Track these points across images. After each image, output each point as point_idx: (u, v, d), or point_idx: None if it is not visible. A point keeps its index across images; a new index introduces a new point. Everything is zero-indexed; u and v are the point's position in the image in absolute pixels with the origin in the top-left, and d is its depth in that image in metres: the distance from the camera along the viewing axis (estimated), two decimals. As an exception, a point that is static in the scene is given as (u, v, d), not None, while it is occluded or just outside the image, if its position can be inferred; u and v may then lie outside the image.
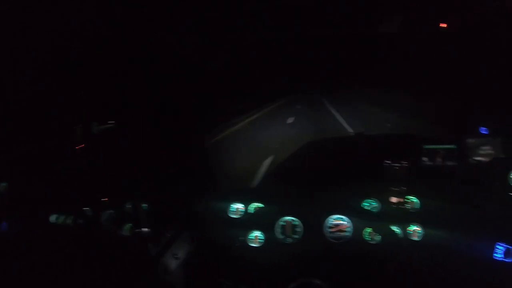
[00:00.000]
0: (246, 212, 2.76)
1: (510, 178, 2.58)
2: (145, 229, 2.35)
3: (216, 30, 2.68)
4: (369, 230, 2.55)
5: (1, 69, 2.09)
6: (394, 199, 2.68)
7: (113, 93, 2.67)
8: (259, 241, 2.62)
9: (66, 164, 2.57)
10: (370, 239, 2.55)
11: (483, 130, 2.83)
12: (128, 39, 2.38)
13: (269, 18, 2.71)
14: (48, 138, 2.53)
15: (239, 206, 2.77)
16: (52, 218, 2.61)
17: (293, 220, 2.59)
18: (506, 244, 2.40)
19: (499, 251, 2.40)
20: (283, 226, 2.60)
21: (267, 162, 3.23)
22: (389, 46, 3.21)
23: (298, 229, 2.58)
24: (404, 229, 2.59)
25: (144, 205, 2.37)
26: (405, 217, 2.62)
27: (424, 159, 2.84)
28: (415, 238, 2.57)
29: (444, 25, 2.79)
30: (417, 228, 2.57)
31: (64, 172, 2.58)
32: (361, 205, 2.71)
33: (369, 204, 2.71)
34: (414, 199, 2.67)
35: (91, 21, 2.16)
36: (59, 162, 2.56)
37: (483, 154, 2.78)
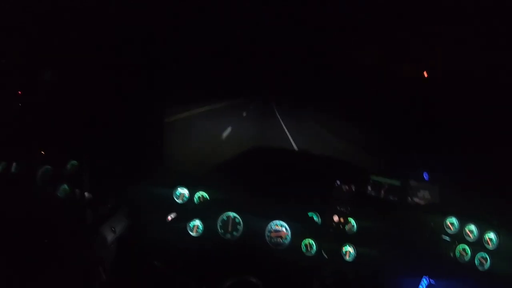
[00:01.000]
0: (190, 199, 2.73)
1: (446, 223, 2.77)
2: (86, 194, 2.25)
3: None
4: (306, 242, 2.61)
5: None
6: (336, 218, 2.76)
7: (72, 46, 2.56)
8: (198, 231, 2.60)
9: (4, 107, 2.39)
10: (305, 250, 2.61)
11: (425, 176, 3.01)
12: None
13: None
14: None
15: (184, 191, 2.73)
16: None
17: (235, 217, 2.60)
18: (429, 279, 2.56)
19: (423, 284, 2.54)
20: (224, 221, 2.59)
21: (218, 153, 3.22)
22: (350, 78, 3.36)
23: (239, 227, 2.59)
24: (338, 248, 2.68)
25: (86, 168, 2.26)
26: (342, 236, 2.71)
27: (369, 188, 2.97)
28: (347, 258, 2.66)
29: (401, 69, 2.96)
30: (350, 249, 2.67)
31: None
32: (304, 217, 2.77)
33: (311, 218, 2.78)
34: (353, 221, 2.77)
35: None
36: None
37: (422, 197, 2.96)
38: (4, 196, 2.32)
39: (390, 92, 3.28)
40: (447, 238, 2.74)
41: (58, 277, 2.03)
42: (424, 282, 2.56)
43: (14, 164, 2.40)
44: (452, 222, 2.76)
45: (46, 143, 2.51)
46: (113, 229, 2.33)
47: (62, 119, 2.57)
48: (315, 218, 2.77)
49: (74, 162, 2.32)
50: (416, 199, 2.96)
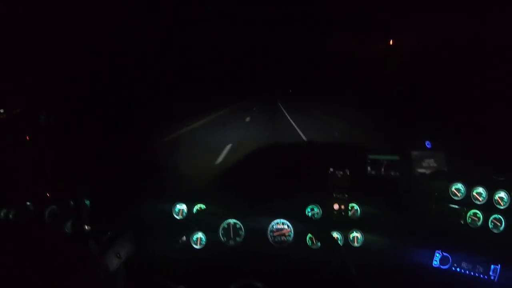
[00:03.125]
0: (189, 213, 2.80)
1: (452, 190, 2.66)
2: (87, 227, 2.38)
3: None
4: (310, 235, 2.60)
5: None
6: (336, 206, 2.74)
7: (61, 84, 2.72)
8: (201, 243, 2.65)
9: (8, 155, 2.60)
10: (311, 244, 2.60)
11: (427, 144, 2.91)
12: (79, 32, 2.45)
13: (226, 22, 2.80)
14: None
15: (182, 206, 2.81)
16: None
17: (236, 223, 2.64)
18: (442, 252, 2.47)
19: (436, 258, 2.46)
20: (225, 229, 2.64)
21: (214, 163, 3.28)
22: (342, 60, 3.34)
23: (241, 232, 2.63)
24: (345, 235, 2.64)
25: (86, 201, 2.40)
26: (346, 223, 2.68)
27: (368, 168, 2.91)
28: (356, 244, 2.62)
29: (390, 43, 2.92)
30: (358, 235, 2.63)
31: (5, 164, 2.61)
32: (304, 211, 2.76)
33: (312, 210, 2.76)
34: (356, 206, 2.73)
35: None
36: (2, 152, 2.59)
37: (426, 166, 2.86)
38: (15, 238, 2.50)
39: (380, 67, 3.23)
40: (455, 206, 2.62)
41: None
42: (438, 256, 2.47)
43: (21, 208, 2.55)
44: (457, 188, 2.64)
45: (50, 184, 2.67)
46: (118, 254, 2.43)
47: (60, 158, 2.72)
48: (316, 210, 2.75)
49: (72, 199, 2.45)
50: (420, 170, 2.87)
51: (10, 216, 2.53)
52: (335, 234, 2.65)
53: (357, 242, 2.62)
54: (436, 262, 2.47)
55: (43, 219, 2.49)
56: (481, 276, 2.37)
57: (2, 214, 2.55)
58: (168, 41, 2.87)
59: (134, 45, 2.70)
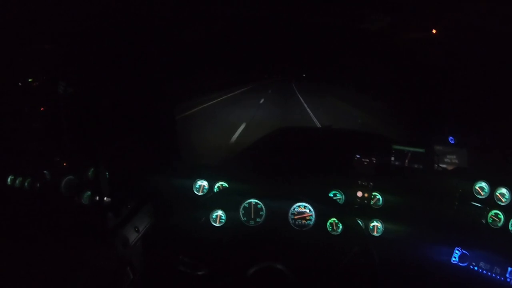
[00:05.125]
0: (210, 190, 2.72)
1: (475, 189, 2.66)
2: (106, 198, 2.28)
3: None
4: (331, 221, 2.57)
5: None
6: (360, 193, 2.71)
7: (82, 55, 2.55)
8: (221, 221, 2.59)
9: (28, 124, 2.47)
10: (331, 229, 2.58)
11: (451, 140, 2.87)
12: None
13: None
14: (10, 96, 2.43)
15: (203, 183, 2.73)
16: (9, 179, 2.52)
17: (257, 203, 2.58)
18: (461, 249, 2.49)
19: (455, 255, 2.49)
20: (246, 208, 2.58)
21: (236, 141, 3.18)
22: (367, 45, 3.18)
23: (261, 213, 2.57)
24: (365, 223, 2.64)
25: (106, 172, 2.29)
26: (368, 212, 2.66)
27: (392, 158, 2.87)
28: (375, 234, 2.62)
29: (434, 31, 2.77)
30: (378, 224, 2.63)
31: (24, 132, 2.48)
32: (327, 196, 2.72)
33: (334, 196, 2.73)
34: (378, 195, 2.71)
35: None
36: (20, 121, 2.45)
37: (449, 162, 2.84)
38: (31, 207, 2.41)
39: (407, 57, 3.10)
40: (477, 204, 2.64)
41: (86, 280, 2.09)
42: (457, 253, 2.50)
43: (39, 177, 2.49)
44: (481, 186, 2.65)
45: (67, 154, 2.58)
46: (136, 228, 2.37)
47: (79, 128, 2.62)
48: (339, 196, 2.72)
49: (91, 170, 2.36)
50: (442, 165, 2.85)
51: (26, 184, 2.43)
52: (357, 222, 2.62)
53: (376, 232, 2.63)
54: (455, 259, 2.50)
55: (59, 189, 2.37)
56: (498, 277, 2.42)
57: (17, 182, 2.44)
58: (188, 15, 2.67)
59: (155, 15, 2.51)
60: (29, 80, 2.53)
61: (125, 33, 2.56)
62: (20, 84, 2.54)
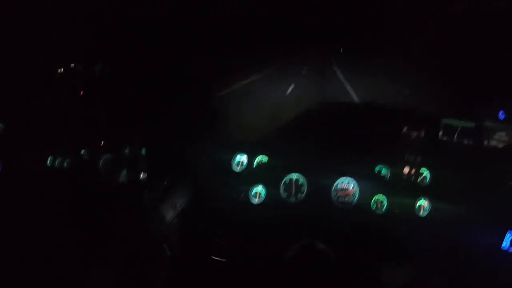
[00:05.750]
0: (250, 165, 2.59)
1: None
2: (143, 175, 2.21)
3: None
4: (376, 198, 2.45)
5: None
6: (406, 170, 2.55)
7: (117, 35, 2.54)
8: (260, 198, 2.49)
9: (65, 106, 2.39)
10: (375, 208, 2.46)
11: (501, 115, 2.66)
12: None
13: None
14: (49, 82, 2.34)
15: (243, 157, 2.61)
16: (49, 160, 2.52)
17: (298, 179, 2.46)
18: (512, 233, 2.36)
19: (507, 239, 2.35)
20: (287, 184, 2.47)
21: (277, 116, 3.01)
22: (411, 15, 2.92)
23: (303, 189, 2.46)
24: (411, 202, 2.50)
25: (143, 149, 2.20)
26: (414, 190, 2.52)
27: (441, 132, 2.68)
28: (421, 213, 2.49)
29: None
30: (425, 203, 2.49)
31: (62, 114, 2.40)
32: (372, 171, 2.58)
33: (380, 171, 2.59)
34: (426, 172, 2.55)
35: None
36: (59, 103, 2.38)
37: (498, 139, 2.65)
38: (71, 184, 2.45)
39: (455, 28, 2.84)
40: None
41: (124, 256, 2.07)
42: (509, 237, 2.37)
43: (77, 156, 2.51)
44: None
45: (105, 133, 2.58)
46: (173, 205, 2.30)
47: (115, 107, 2.60)
48: (384, 172, 2.57)
49: (128, 147, 2.32)
50: (493, 142, 2.66)
51: (65, 164, 2.49)
52: (403, 200, 2.50)
53: (423, 211, 2.49)
54: (506, 243, 2.38)
55: (97, 167, 2.32)
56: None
57: (56, 162, 2.44)
58: None
59: None
60: (68, 64, 2.56)
61: (160, 10, 2.51)
62: (59, 68, 2.56)
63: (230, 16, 2.73)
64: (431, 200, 2.47)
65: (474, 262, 2.33)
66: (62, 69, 2.58)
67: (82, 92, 2.59)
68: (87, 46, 2.60)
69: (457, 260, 2.34)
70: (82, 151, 2.49)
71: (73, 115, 2.58)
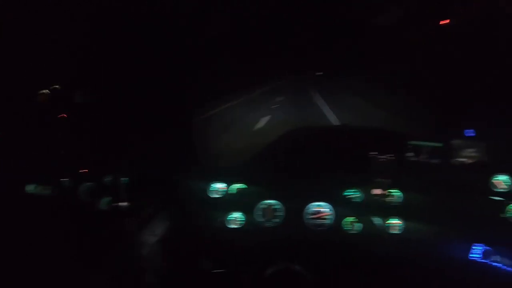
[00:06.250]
0: (227, 192, 2.71)
1: (492, 182, 2.62)
2: (123, 204, 2.31)
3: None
4: (349, 219, 2.55)
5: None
6: (377, 191, 2.67)
7: (99, 61, 2.59)
8: (238, 223, 2.59)
9: (47, 133, 2.51)
10: (350, 228, 2.56)
11: (469, 133, 2.83)
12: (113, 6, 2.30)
13: None
14: (29, 105, 2.47)
15: (220, 185, 2.72)
16: (29, 187, 2.55)
17: (274, 204, 2.57)
18: (484, 245, 2.44)
19: (477, 252, 2.44)
20: (264, 209, 2.57)
21: (252, 143, 3.17)
22: (383, 39, 3.16)
23: (279, 213, 2.56)
24: (384, 221, 2.60)
25: (124, 178, 2.32)
26: (387, 209, 2.63)
27: (409, 154, 2.83)
28: (395, 231, 2.58)
29: (446, 21, 2.74)
30: (398, 222, 2.59)
31: (44, 141, 2.52)
32: (344, 194, 2.70)
33: (352, 194, 2.71)
34: (397, 192, 2.67)
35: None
36: (40, 130, 2.50)
37: (467, 156, 2.79)
38: (53, 212, 2.46)
39: (423, 51, 3.07)
40: (496, 198, 2.59)
41: (106, 283, 2.12)
42: (476, 249, 2.45)
43: (58, 184, 2.54)
44: (500, 180, 2.60)
45: (86, 161, 2.63)
46: (154, 232, 2.38)
47: (97, 135, 2.67)
48: (356, 194, 2.69)
49: (109, 176, 2.41)
50: (461, 159, 2.80)
51: (46, 192, 2.47)
52: (375, 220, 2.60)
53: (395, 229, 2.59)
54: (475, 255, 2.46)
55: (78, 196, 2.42)
56: (519, 272, 2.38)
57: (38, 189, 2.49)
58: (208, 15, 2.69)
59: (172, 19, 2.54)
60: (48, 89, 2.57)
61: (141, 37, 2.59)
62: (38, 93, 2.58)
63: (205, 44, 2.91)
64: (402, 218, 2.58)
65: (446, 274, 2.41)
66: (43, 95, 2.61)
67: (64, 116, 2.62)
68: (68, 73, 2.66)
69: (430, 273, 2.41)
70: (64, 179, 2.53)
71: (55, 142, 2.61)
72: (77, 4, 2.18)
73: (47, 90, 2.53)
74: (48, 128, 2.52)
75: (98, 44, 2.54)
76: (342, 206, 2.58)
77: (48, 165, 2.56)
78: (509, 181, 2.59)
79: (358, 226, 2.53)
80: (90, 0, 2.21)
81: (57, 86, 2.55)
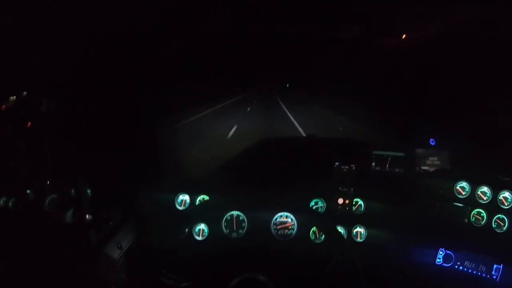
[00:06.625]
0: (192, 204, 2.76)
1: (456, 189, 2.66)
2: (88, 216, 2.33)
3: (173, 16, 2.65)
4: (314, 229, 2.58)
5: None
6: (340, 200, 2.72)
7: (62, 72, 2.65)
8: (203, 235, 2.62)
9: (10, 143, 2.55)
10: (314, 238, 2.58)
11: (432, 142, 2.90)
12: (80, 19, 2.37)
13: (231, 12, 2.71)
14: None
15: (185, 197, 2.77)
16: None
17: (239, 215, 2.61)
18: (445, 250, 2.48)
19: (440, 256, 2.47)
20: (228, 221, 2.60)
21: (216, 155, 3.24)
22: (346, 53, 3.27)
23: (244, 224, 2.60)
24: (348, 230, 2.64)
25: (88, 190, 2.35)
26: (350, 218, 2.67)
27: (373, 163, 2.90)
28: (359, 240, 2.62)
29: (403, 36, 2.86)
30: (361, 230, 2.62)
31: (7, 151, 2.56)
32: (308, 204, 2.74)
33: (316, 204, 2.75)
34: (360, 201, 2.72)
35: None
36: (3, 140, 2.53)
37: (430, 164, 2.86)
38: (15, 226, 2.46)
39: (384, 63, 3.18)
40: (459, 204, 2.63)
41: None
42: (441, 254, 2.48)
43: (22, 196, 2.52)
44: (462, 186, 2.65)
45: (50, 172, 2.65)
46: (119, 245, 2.40)
47: (61, 146, 2.67)
48: (320, 204, 2.74)
49: (74, 188, 2.42)
50: (424, 168, 2.87)
51: (10, 204, 2.49)
52: (339, 229, 2.63)
53: (360, 237, 2.62)
54: (439, 260, 2.48)
55: (43, 208, 2.44)
56: (484, 275, 2.40)
57: (1, 202, 2.51)
58: (172, 31, 2.79)
59: (138, 32, 2.63)
60: (12, 97, 2.60)
61: (103, 49, 2.65)
62: (2, 102, 2.63)
63: (171, 57, 2.98)
64: (367, 226, 2.61)
65: (413, 280, 2.43)
66: (7, 103, 2.62)
67: (28, 125, 2.65)
68: (34, 82, 2.68)
69: (396, 280, 2.43)
70: (28, 191, 2.51)
71: (18, 153, 2.65)
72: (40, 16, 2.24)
73: (13, 97, 2.58)
74: (12, 138, 2.56)
75: (66, 53, 2.60)
76: (306, 216, 2.61)
77: (12, 176, 2.59)
78: (468, 187, 2.63)
79: (322, 236, 2.56)
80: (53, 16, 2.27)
81: (24, 93, 2.60)
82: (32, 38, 2.37)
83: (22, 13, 2.11)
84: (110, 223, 2.43)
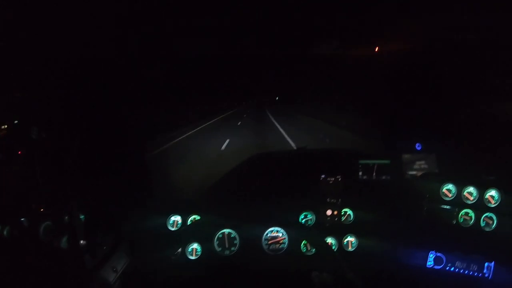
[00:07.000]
0: (184, 224, 2.81)
1: (443, 191, 2.69)
2: (82, 241, 2.40)
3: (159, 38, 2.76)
4: (305, 242, 2.61)
5: None
6: (329, 212, 2.76)
7: (52, 99, 2.75)
8: (196, 254, 2.66)
9: (1, 171, 2.62)
10: (305, 250, 2.61)
11: (418, 146, 2.95)
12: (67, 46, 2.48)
13: (211, 35, 2.81)
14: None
15: (177, 218, 2.83)
16: None
17: (230, 232, 2.65)
18: (436, 252, 2.48)
19: (430, 259, 2.48)
20: (220, 239, 2.65)
21: (207, 173, 3.30)
22: (327, 66, 3.36)
23: (235, 242, 2.64)
24: (339, 240, 2.66)
25: (81, 216, 2.43)
26: (340, 228, 2.70)
27: (360, 173, 2.95)
28: (350, 249, 2.64)
29: (376, 49, 2.96)
30: (352, 239, 2.65)
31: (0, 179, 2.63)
32: (298, 218, 2.78)
33: (305, 217, 2.78)
34: (348, 211, 2.75)
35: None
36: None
37: (417, 168, 2.90)
38: (11, 254, 2.51)
39: (368, 72, 3.27)
40: (447, 206, 2.65)
41: None
42: (431, 256, 2.48)
43: (17, 224, 2.57)
44: (448, 188, 2.67)
45: (44, 199, 2.69)
46: (114, 269, 2.45)
47: (53, 173, 2.76)
48: (309, 216, 2.77)
49: (67, 214, 2.48)
50: (411, 172, 2.91)
51: (5, 232, 2.55)
52: (329, 240, 2.66)
53: (351, 247, 2.64)
54: (430, 263, 2.49)
55: (38, 235, 2.51)
56: (476, 274, 2.39)
57: None
58: (161, 53, 2.92)
59: (126, 56, 2.75)
60: (3, 126, 2.68)
61: (92, 75, 2.76)
62: None
63: (158, 80, 3.07)
64: (357, 235, 2.64)
65: (405, 284, 2.42)
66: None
67: (19, 153, 2.66)
68: (23, 110, 2.73)
69: (389, 285, 2.43)
70: (22, 219, 2.56)
71: (10, 181, 2.67)
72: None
73: (4, 126, 2.67)
74: (4, 166, 2.65)
75: (51, 82, 2.69)
76: (296, 229, 2.64)
77: (7, 206, 2.63)
78: (454, 189, 2.65)
79: (313, 248, 2.58)
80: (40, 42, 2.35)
81: (16, 122, 2.68)
82: (20, 67, 2.48)
83: (11, 42, 2.23)
84: (104, 247, 2.49)
